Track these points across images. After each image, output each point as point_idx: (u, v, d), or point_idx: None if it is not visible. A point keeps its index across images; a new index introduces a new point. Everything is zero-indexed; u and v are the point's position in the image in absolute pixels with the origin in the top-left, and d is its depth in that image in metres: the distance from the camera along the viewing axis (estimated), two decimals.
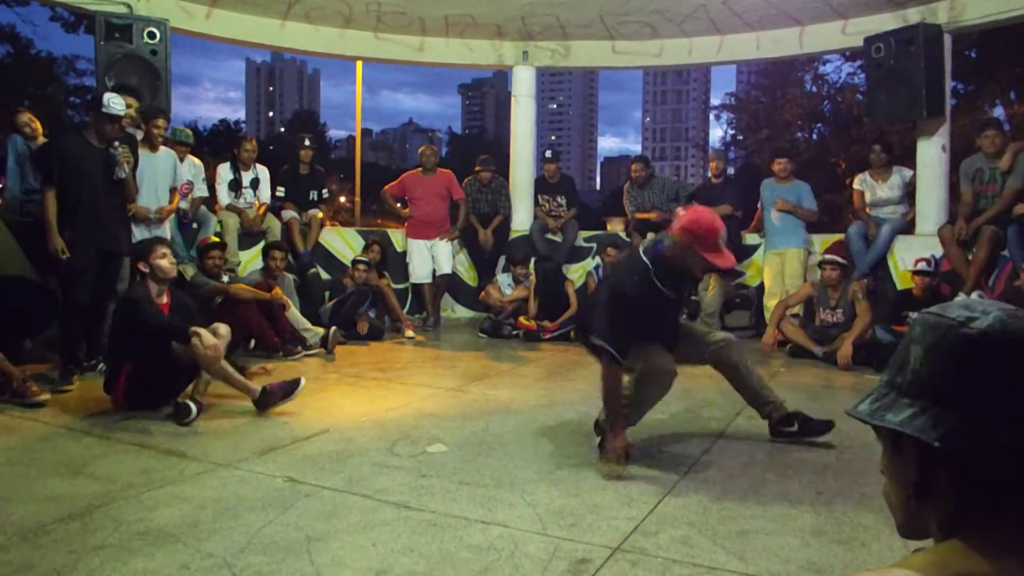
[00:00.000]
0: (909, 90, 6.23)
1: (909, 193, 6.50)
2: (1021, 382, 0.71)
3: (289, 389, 3.76)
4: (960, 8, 6.25)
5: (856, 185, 6.79)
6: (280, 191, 7.09)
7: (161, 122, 5.61)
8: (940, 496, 0.75)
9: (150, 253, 3.84)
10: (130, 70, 5.99)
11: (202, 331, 3.55)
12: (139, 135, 5.53)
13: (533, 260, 7.26)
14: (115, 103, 4.49)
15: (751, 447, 3.27)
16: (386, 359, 5.52)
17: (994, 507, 0.72)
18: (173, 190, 5.72)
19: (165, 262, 3.84)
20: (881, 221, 6.40)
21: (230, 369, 3.69)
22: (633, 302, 2.97)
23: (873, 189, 6.54)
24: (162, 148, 5.64)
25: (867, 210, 6.57)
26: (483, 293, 7.14)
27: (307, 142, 7.37)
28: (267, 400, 3.68)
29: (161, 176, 5.55)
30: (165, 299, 3.92)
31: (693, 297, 7.00)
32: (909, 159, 6.72)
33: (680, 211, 3.07)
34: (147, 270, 3.82)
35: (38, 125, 5.56)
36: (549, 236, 7.67)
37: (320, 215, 7.28)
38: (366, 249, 7.17)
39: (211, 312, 4.95)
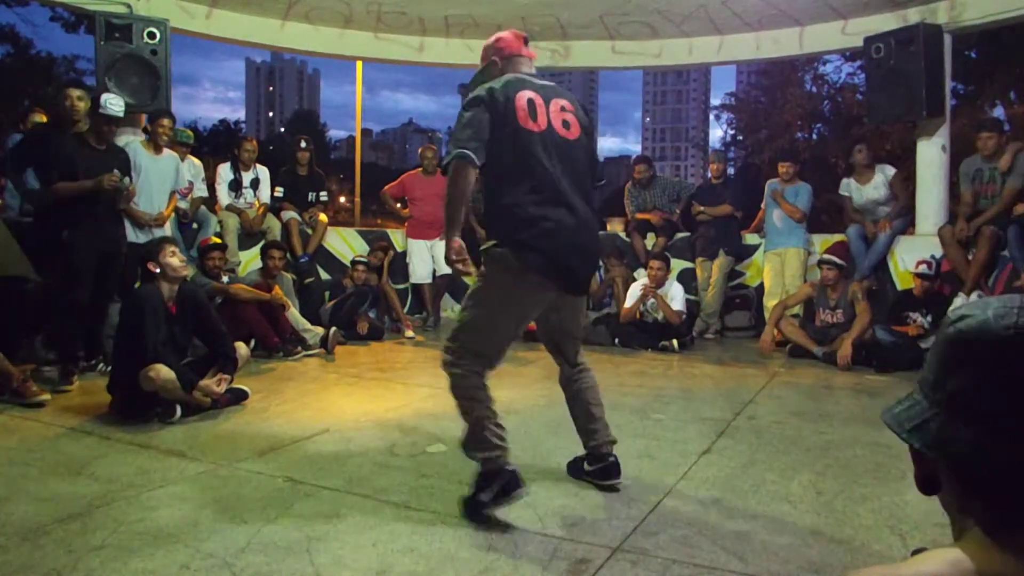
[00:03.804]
0: (909, 90, 6.23)
1: (894, 195, 6.47)
2: (992, 383, 0.71)
3: (237, 397, 3.95)
4: (960, 8, 6.25)
5: (842, 191, 6.74)
6: (279, 191, 7.10)
7: (166, 122, 5.59)
8: (947, 492, 0.76)
9: (159, 252, 3.82)
10: (130, 70, 5.99)
11: (158, 366, 3.52)
12: (140, 137, 5.53)
13: None
14: (112, 103, 4.49)
15: (751, 447, 3.27)
16: (386, 359, 5.52)
17: (994, 505, 0.72)
18: (173, 192, 5.70)
19: (175, 260, 3.83)
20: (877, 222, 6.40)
21: (180, 394, 3.64)
22: None
23: (859, 192, 6.51)
24: (165, 151, 5.63)
25: (854, 216, 6.56)
26: None
27: (303, 144, 7.37)
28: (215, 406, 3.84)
29: (164, 179, 5.54)
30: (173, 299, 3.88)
31: (692, 297, 7.01)
32: (909, 159, 6.71)
33: None
34: (157, 270, 3.81)
35: None
36: None
37: (324, 218, 7.28)
38: (373, 253, 7.12)
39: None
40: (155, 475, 2.77)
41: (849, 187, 6.62)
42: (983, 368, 0.71)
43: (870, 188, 6.46)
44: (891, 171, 6.49)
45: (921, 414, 0.75)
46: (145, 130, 5.68)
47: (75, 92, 4.95)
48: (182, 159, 6.19)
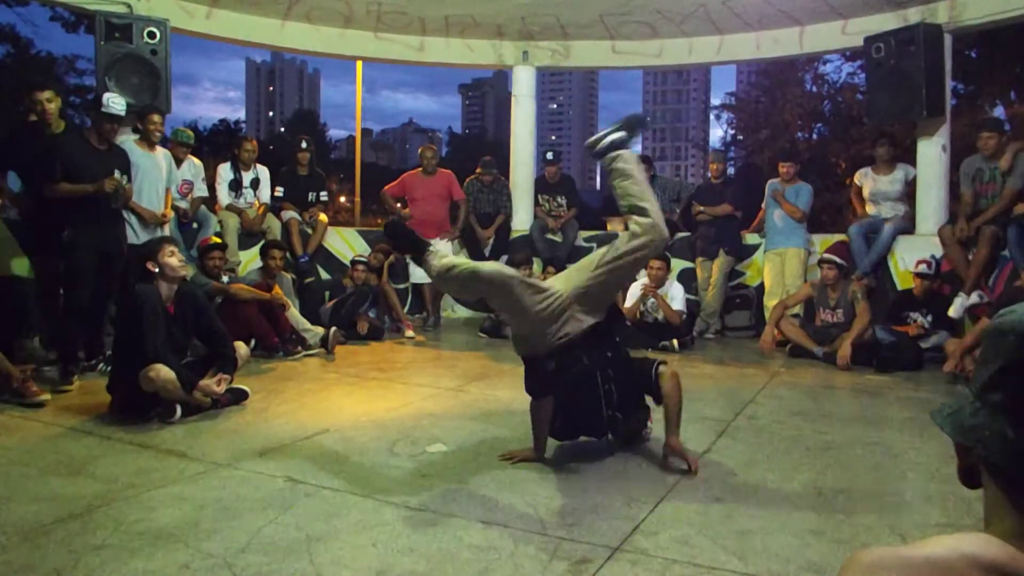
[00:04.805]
0: (909, 90, 6.23)
1: (909, 193, 6.51)
2: (1004, 375, 0.72)
3: (237, 397, 3.93)
4: (960, 8, 6.25)
5: (856, 179, 6.79)
6: (279, 191, 7.10)
7: (156, 118, 5.54)
8: (986, 485, 0.77)
9: (158, 252, 3.80)
10: (130, 70, 5.98)
11: (158, 366, 3.51)
12: (135, 137, 5.52)
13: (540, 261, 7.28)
14: (114, 103, 4.48)
15: (751, 447, 3.27)
16: (386, 359, 5.52)
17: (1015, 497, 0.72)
18: (167, 189, 5.68)
19: (174, 260, 3.81)
20: (879, 222, 6.41)
21: (181, 394, 3.63)
22: None
23: (874, 181, 6.55)
24: (158, 148, 5.61)
25: (865, 206, 6.58)
26: None
27: (304, 144, 7.37)
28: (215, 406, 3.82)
29: (159, 176, 5.52)
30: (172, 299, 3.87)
31: (692, 297, 7.00)
32: (909, 159, 6.72)
33: None
34: (156, 270, 3.79)
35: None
36: (549, 236, 7.67)
37: (324, 218, 7.28)
38: (374, 255, 7.10)
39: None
40: (155, 475, 2.77)
41: (866, 175, 6.66)
42: (1011, 358, 0.72)
43: (886, 181, 6.50)
44: (913, 172, 6.51)
45: (959, 403, 0.77)
46: (135, 128, 5.67)
47: (44, 94, 4.83)
48: (182, 159, 6.19)
